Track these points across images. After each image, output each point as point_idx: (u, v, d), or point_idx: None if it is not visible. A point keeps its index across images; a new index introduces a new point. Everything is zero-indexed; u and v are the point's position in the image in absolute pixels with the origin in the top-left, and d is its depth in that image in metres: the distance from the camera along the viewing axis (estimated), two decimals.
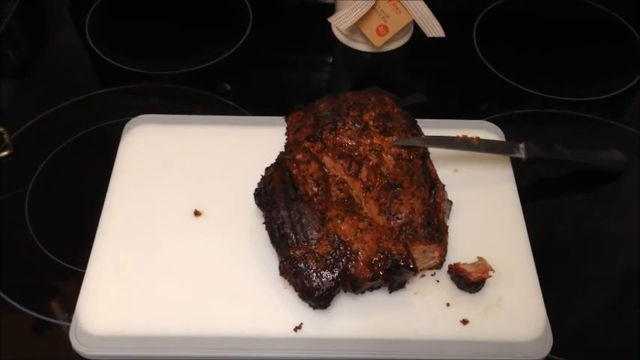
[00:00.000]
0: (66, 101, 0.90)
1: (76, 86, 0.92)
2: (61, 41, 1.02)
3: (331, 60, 1.01)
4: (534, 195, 0.80)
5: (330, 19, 0.93)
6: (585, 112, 0.91)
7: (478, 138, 0.77)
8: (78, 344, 0.64)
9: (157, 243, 0.71)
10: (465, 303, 0.67)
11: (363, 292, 0.67)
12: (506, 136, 0.83)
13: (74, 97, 0.90)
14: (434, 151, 0.75)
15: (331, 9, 0.97)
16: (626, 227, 0.78)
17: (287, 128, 0.78)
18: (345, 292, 0.66)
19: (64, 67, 0.97)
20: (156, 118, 0.83)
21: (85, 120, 0.87)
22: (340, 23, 0.92)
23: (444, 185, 0.72)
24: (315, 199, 0.67)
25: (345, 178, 0.70)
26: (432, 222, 0.67)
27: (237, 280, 0.68)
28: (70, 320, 0.66)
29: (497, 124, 0.84)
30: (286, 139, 0.77)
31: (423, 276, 0.69)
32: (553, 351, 0.65)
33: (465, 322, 0.66)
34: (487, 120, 0.85)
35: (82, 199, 0.78)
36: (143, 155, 0.79)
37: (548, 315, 0.67)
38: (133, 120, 0.83)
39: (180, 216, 0.74)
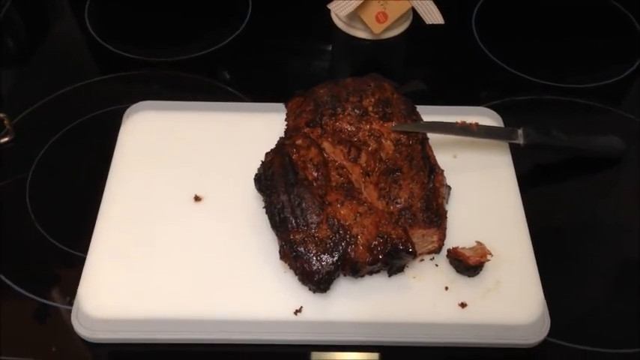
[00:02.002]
0: (66, 88, 0.90)
1: (76, 73, 0.92)
2: (61, 28, 1.02)
3: (330, 47, 1.01)
4: (533, 180, 0.80)
5: (330, 6, 0.93)
6: (584, 98, 0.91)
7: (477, 124, 0.77)
8: (80, 327, 0.65)
9: (158, 227, 0.72)
10: (464, 287, 0.68)
11: (362, 276, 0.67)
12: (505, 123, 0.83)
13: (74, 83, 0.90)
14: (433, 137, 0.76)
15: None
16: (623, 213, 0.79)
17: (287, 114, 0.78)
18: (345, 275, 0.67)
19: (63, 54, 0.97)
20: (156, 104, 0.84)
21: (85, 106, 0.87)
22: (339, 10, 0.92)
23: (442, 170, 0.72)
24: (314, 184, 0.67)
25: (345, 163, 0.71)
26: (431, 206, 0.68)
27: (238, 264, 0.69)
28: (71, 304, 0.67)
29: (496, 110, 0.85)
30: (286, 125, 0.77)
31: (422, 260, 0.70)
32: (550, 334, 0.66)
33: (463, 305, 0.66)
34: (486, 107, 0.86)
35: (83, 184, 0.78)
36: (143, 141, 0.80)
37: (545, 298, 0.67)
38: (134, 106, 0.83)
39: (181, 201, 0.74)
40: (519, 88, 0.92)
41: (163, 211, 0.73)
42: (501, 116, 0.84)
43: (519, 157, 0.79)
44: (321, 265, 0.64)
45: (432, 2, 0.91)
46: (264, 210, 0.69)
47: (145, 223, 0.72)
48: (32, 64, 0.96)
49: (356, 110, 0.73)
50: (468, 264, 0.67)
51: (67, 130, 0.84)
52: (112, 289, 0.67)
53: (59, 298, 0.69)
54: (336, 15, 0.98)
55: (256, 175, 0.71)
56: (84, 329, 0.65)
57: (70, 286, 0.68)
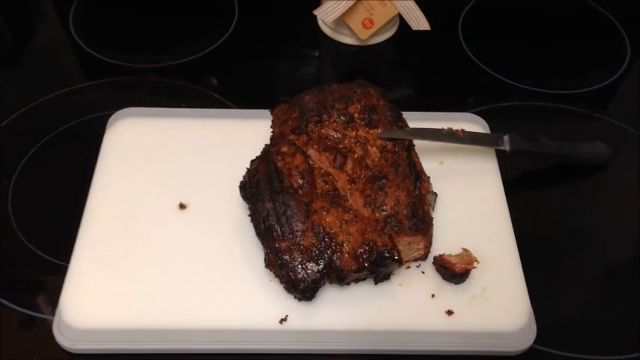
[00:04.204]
0: (50, 94, 0.89)
1: (60, 79, 0.92)
2: (45, 34, 1.01)
3: (317, 53, 1.01)
4: (519, 187, 0.80)
5: (316, 12, 0.93)
6: (569, 104, 0.91)
7: (463, 130, 0.77)
8: (62, 338, 0.64)
9: (142, 236, 0.71)
10: (450, 294, 0.68)
11: (348, 284, 0.67)
12: (491, 129, 0.83)
13: (58, 90, 0.90)
14: (419, 144, 0.75)
15: (317, 2, 0.97)
16: (609, 219, 0.79)
17: (272, 121, 0.78)
18: (331, 283, 0.67)
19: (48, 60, 0.96)
20: (141, 111, 0.83)
21: (69, 113, 0.86)
22: (326, 16, 0.92)
23: (429, 177, 0.72)
24: (300, 192, 0.67)
25: (331, 170, 0.70)
26: (417, 213, 0.68)
27: (223, 272, 0.68)
28: (53, 314, 0.66)
29: (482, 116, 0.85)
30: (272, 132, 0.77)
31: (408, 267, 0.69)
32: (537, 341, 0.66)
33: (449, 312, 0.66)
34: (472, 113, 0.86)
35: (66, 192, 0.78)
36: (128, 148, 0.79)
37: (532, 305, 0.67)
38: (118, 113, 0.83)
39: (166, 209, 0.73)
40: (505, 94, 0.93)
41: (148, 219, 0.72)
42: (487, 122, 0.84)
43: (505, 164, 0.79)
44: (307, 274, 0.63)
45: (418, 8, 0.90)
46: (250, 218, 0.69)
47: (129, 232, 0.71)
48: (16, 70, 0.95)
49: (342, 117, 0.73)
50: (454, 271, 0.67)
51: (51, 137, 0.84)
52: (94, 299, 0.66)
53: (41, 308, 0.68)
54: (323, 21, 0.98)
55: (241, 182, 0.71)
56: (66, 340, 0.64)
57: (52, 296, 0.68)
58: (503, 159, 0.79)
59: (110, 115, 0.83)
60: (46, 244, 0.73)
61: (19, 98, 0.88)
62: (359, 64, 0.98)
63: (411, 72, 0.98)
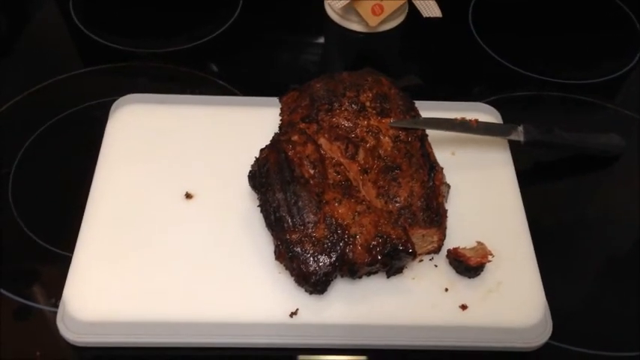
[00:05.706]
0: (50, 80, 0.87)
1: (60, 64, 0.89)
2: (44, 17, 0.98)
3: (324, 40, 0.98)
4: (532, 178, 0.78)
5: None
6: (583, 95, 0.90)
7: (477, 120, 0.75)
8: (66, 330, 0.62)
9: (147, 226, 0.69)
10: (464, 288, 0.66)
11: (360, 277, 0.65)
12: (503, 119, 0.81)
13: (58, 75, 0.87)
14: (431, 134, 0.73)
15: None
16: (625, 210, 0.77)
17: (281, 109, 0.76)
18: (342, 277, 0.65)
19: (47, 45, 0.94)
20: (144, 97, 0.81)
21: (70, 99, 0.84)
22: (335, 2, 0.90)
23: (442, 168, 0.70)
24: (311, 182, 0.65)
25: (342, 160, 0.68)
26: (432, 205, 0.66)
27: (231, 264, 0.66)
28: (56, 305, 0.64)
29: (493, 106, 0.83)
30: (280, 120, 0.75)
31: (421, 261, 0.68)
32: (553, 336, 0.64)
33: (463, 307, 0.65)
34: (484, 102, 0.84)
35: (68, 180, 0.75)
36: (131, 136, 0.77)
37: (547, 300, 0.66)
38: (121, 99, 0.80)
39: (171, 199, 0.71)
40: (517, 84, 0.91)
41: (152, 209, 0.70)
42: (499, 112, 0.82)
43: (519, 155, 0.78)
44: (319, 266, 0.62)
45: None
46: (259, 208, 0.67)
47: (134, 222, 0.69)
48: (14, 54, 0.93)
49: (353, 105, 0.71)
50: (468, 265, 0.65)
51: (52, 123, 0.81)
52: (99, 290, 0.64)
53: (44, 300, 0.67)
54: (331, 7, 0.96)
55: (250, 172, 0.69)
56: (70, 332, 0.62)
57: (55, 287, 0.66)
58: (516, 150, 0.78)
59: (112, 101, 0.81)
60: (48, 233, 0.71)
61: (17, 84, 0.86)
62: (367, 52, 0.96)
63: (420, 60, 0.96)
